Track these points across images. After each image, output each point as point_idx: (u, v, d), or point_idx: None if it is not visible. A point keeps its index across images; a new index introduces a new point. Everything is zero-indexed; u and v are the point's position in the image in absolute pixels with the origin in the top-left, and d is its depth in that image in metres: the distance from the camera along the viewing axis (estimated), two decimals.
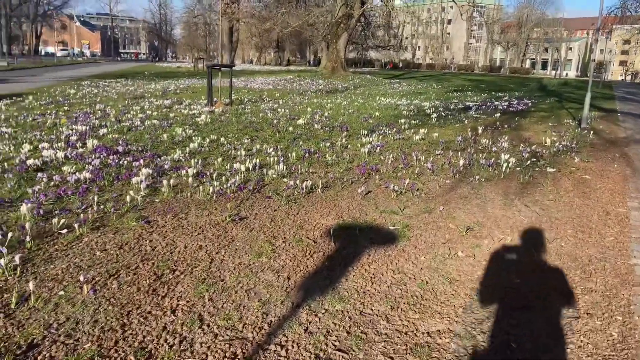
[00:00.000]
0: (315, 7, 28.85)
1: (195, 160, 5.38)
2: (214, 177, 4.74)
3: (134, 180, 4.47)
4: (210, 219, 3.68)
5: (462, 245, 3.43)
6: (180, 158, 5.62)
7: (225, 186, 4.45)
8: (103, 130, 7.17)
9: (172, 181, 4.51)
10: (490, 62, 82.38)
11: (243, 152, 6.00)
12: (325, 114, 10.12)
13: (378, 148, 6.64)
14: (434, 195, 4.57)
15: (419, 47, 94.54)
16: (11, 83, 18.04)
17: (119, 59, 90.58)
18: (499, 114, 10.61)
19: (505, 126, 9.02)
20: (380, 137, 7.63)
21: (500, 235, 3.69)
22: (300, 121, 8.74)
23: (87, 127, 7.37)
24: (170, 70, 34.85)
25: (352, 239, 3.42)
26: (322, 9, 26.53)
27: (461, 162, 5.59)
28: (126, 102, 11.38)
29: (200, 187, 4.39)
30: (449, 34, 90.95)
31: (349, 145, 6.85)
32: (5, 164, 5.07)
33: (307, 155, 6.06)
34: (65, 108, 9.99)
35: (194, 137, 6.88)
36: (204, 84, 18.37)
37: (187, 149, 6.07)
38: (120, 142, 6.36)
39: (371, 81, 24.16)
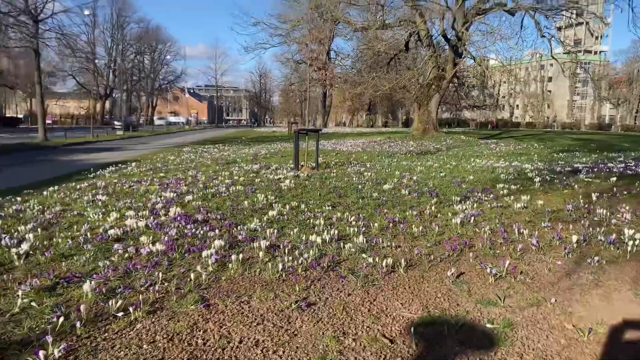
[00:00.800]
0: (406, 70, 28.96)
1: (271, 231, 5.08)
2: (287, 251, 4.36)
3: (204, 253, 4.23)
4: (274, 305, 3.26)
5: (583, 357, 2.64)
6: (257, 227, 5.37)
7: (297, 262, 4.04)
8: (189, 197, 7.23)
9: (242, 255, 4.21)
10: (599, 119, 76.85)
11: (322, 221, 5.61)
12: (414, 178, 9.55)
13: (472, 218, 5.92)
14: (543, 282, 3.78)
15: (517, 105, 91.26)
16: (122, 151, 19.76)
17: (224, 124, 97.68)
18: (614, 178, 9.31)
19: (625, 192, 7.80)
20: (475, 204, 6.88)
21: (636, 339, 2.84)
22: (387, 186, 8.26)
23: (175, 194, 7.50)
24: (266, 134, 36.50)
25: (438, 339, 2.79)
26: (413, 71, 26.50)
27: (574, 237, 4.70)
28: (217, 167, 11.72)
29: (269, 264, 4.01)
30: (549, 91, 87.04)
31: (439, 214, 6.20)
32: (89, 233, 5.12)
33: (391, 225, 5.53)
34: (161, 174, 10.46)
35: (274, 204, 6.67)
36: (288, 149, 18.77)
37: (265, 217, 5.83)
38: (201, 209, 6.30)
39: (465, 142, 23.20)
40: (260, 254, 4.24)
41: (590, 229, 5.37)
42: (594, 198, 7.37)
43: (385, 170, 10.95)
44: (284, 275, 3.80)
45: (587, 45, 76.71)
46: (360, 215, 6.11)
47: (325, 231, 5.08)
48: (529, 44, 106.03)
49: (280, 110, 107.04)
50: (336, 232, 5.06)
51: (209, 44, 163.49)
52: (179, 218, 5.74)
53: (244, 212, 6.25)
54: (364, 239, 4.74)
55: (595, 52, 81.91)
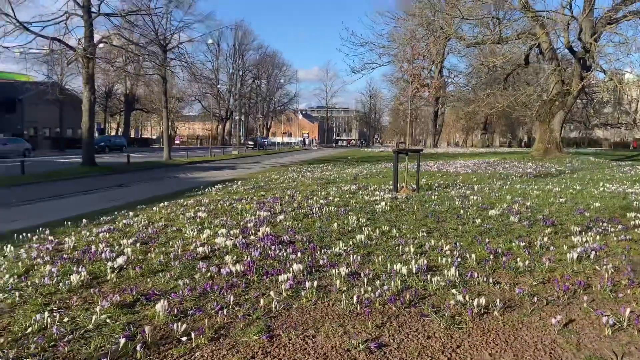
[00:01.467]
0: (526, 85, 26.96)
1: (355, 257, 4.77)
2: (367, 281, 4.02)
3: (281, 278, 4.05)
4: (341, 342, 2.94)
5: None
6: (342, 252, 5.09)
7: (375, 294, 3.67)
8: (281, 217, 7.20)
9: (319, 282, 3.96)
10: None
11: (413, 249, 5.17)
12: (528, 204, 8.60)
13: (593, 252, 5.05)
14: None
15: None
16: (234, 169, 20.82)
17: (333, 145, 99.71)
18: None
19: None
20: (598, 236, 5.92)
21: None
22: (493, 212, 7.51)
23: (269, 213, 7.54)
24: (373, 154, 36.28)
25: None
26: (534, 87, 24.52)
27: None
28: (316, 187, 11.71)
29: (345, 294, 3.70)
30: None
31: (552, 247, 5.40)
32: (180, 250, 5.25)
33: (492, 257, 4.91)
34: (262, 193, 10.70)
35: (364, 228, 6.35)
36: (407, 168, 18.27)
37: (352, 241, 5.55)
38: (289, 230, 6.20)
39: (594, 163, 20.79)
40: (337, 282, 3.94)
41: None
42: None
43: (495, 194, 10.06)
44: (358, 308, 3.46)
45: None
46: (458, 243, 5.55)
47: (414, 260, 4.65)
48: None
49: (389, 130, 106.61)
50: (426, 261, 4.61)
51: (322, 65, 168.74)
52: (265, 238, 5.68)
53: (331, 235, 6.03)
54: (457, 272, 4.22)
55: None
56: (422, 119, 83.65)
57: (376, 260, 4.73)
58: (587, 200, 9.00)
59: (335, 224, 6.58)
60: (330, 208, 8.01)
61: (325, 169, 19.07)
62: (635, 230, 6.35)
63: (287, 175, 15.97)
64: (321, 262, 4.68)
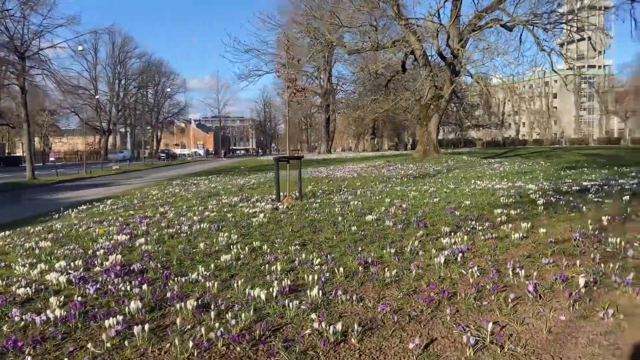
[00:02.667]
0: (405, 90, 28.27)
1: (212, 283, 4.17)
2: (216, 315, 3.45)
3: (108, 322, 3.32)
4: None
5: None
6: (200, 278, 4.46)
7: (219, 332, 3.11)
8: (141, 240, 6.37)
9: (160, 322, 3.31)
10: (607, 134, 75.60)
11: (280, 267, 4.70)
12: (404, 205, 8.63)
13: (460, 254, 4.98)
14: (539, 351, 2.82)
15: (524, 123, 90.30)
16: (111, 186, 19.05)
17: (229, 155, 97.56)
18: (628, 196, 8.32)
19: None
20: (467, 236, 5.94)
21: None
22: (370, 217, 7.34)
23: (128, 237, 6.65)
24: (267, 163, 35.73)
25: None
26: (410, 92, 25.78)
27: (581, 280, 3.74)
28: (195, 201, 10.89)
29: (178, 339, 3.09)
30: (555, 107, 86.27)
31: (422, 251, 5.26)
32: None
33: (361, 269, 4.60)
34: (131, 212, 9.66)
35: (233, 246, 5.78)
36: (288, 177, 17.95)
37: (214, 264, 4.95)
38: (145, 256, 5.42)
39: (467, 162, 22.23)
40: (178, 320, 3.32)
41: (602, 264, 4.39)
42: (605, 222, 6.39)
43: (375, 198, 10.04)
44: (195, 354, 2.87)
45: (591, 60, 76.13)
46: (330, 255, 5.20)
47: (278, 281, 4.18)
48: (529, 58, 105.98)
49: (285, 138, 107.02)
50: (290, 281, 4.17)
51: (214, 74, 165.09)
52: (111, 269, 4.86)
53: (194, 257, 5.37)
54: (320, 292, 3.81)
55: (600, 67, 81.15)
56: (316, 126, 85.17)
57: (236, 284, 4.17)
58: (458, 199, 9.28)
59: (202, 244, 5.93)
60: (203, 225, 7.31)
61: (213, 181, 18.17)
62: (501, 227, 6.51)
63: (169, 190, 14.86)
64: (169, 294, 4.01)
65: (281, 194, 10.39)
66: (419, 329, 3.12)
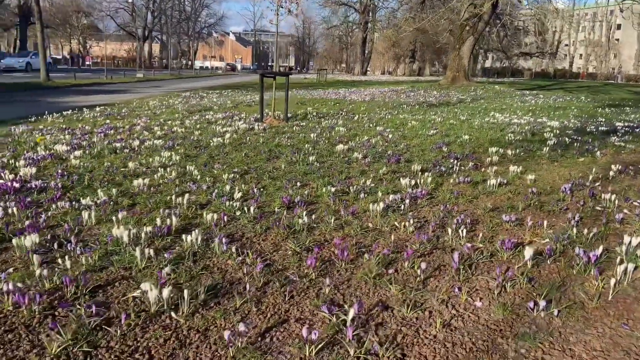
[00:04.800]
0: (443, 6, 25.71)
1: (88, 214, 3.50)
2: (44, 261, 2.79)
3: None
4: None
5: None
6: (90, 204, 3.80)
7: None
8: (78, 153, 5.75)
9: None
10: None
11: (188, 199, 3.99)
12: (391, 136, 7.65)
13: (410, 201, 4.12)
14: None
15: (580, 54, 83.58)
16: (123, 94, 18.53)
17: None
18: None
19: None
20: (437, 178, 5.03)
21: None
22: (341, 147, 6.45)
23: (68, 148, 6.05)
24: (295, 81, 34.41)
25: None
26: (445, 9, 23.33)
27: (528, 251, 2.83)
28: (178, 115, 10.19)
29: None
30: (617, 40, 78.93)
31: (369, 193, 4.42)
32: None
33: (277, 210, 3.83)
34: (107, 121, 9.07)
35: (167, 168, 5.09)
36: (297, 95, 16.93)
37: (122, 188, 4.29)
38: (60, 172, 4.80)
39: (498, 93, 20.42)
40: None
41: (575, 229, 3.45)
42: (612, 173, 5.31)
43: (367, 125, 9.05)
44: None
45: None
46: (261, 190, 4.44)
47: (168, 218, 3.48)
48: None
49: (322, 56, 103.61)
50: (177, 221, 3.46)
51: None
52: (13, 180, 4.27)
53: (114, 178, 4.72)
54: (199, 239, 3.08)
55: None
56: (355, 46, 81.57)
57: (117, 217, 3.48)
58: (458, 133, 8.19)
59: (133, 163, 5.26)
60: (157, 142, 6.62)
61: (221, 95, 17.36)
62: (486, 169, 5.54)
63: (169, 102, 14.17)
64: (27, 223, 3.38)
65: (269, 113, 9.53)
66: (278, 306, 2.36)
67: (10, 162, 5.27)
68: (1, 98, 14.77)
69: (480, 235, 3.32)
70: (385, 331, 2.14)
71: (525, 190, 4.68)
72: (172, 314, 2.16)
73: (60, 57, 64.13)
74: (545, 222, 3.56)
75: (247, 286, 2.47)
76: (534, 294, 2.55)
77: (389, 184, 4.80)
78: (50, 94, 17.93)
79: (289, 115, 9.93)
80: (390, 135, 7.64)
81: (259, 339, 2.05)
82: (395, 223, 3.56)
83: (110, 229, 3.11)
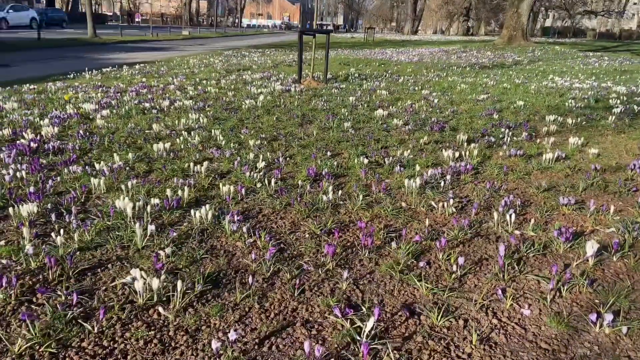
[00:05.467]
0: None
1: (97, 181, 3.27)
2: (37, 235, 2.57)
3: None
4: None
5: None
6: (102, 169, 3.57)
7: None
8: (105, 113, 5.57)
9: None
10: None
11: (205, 168, 3.70)
12: (436, 101, 7.05)
13: (452, 177, 3.66)
14: None
15: None
16: (166, 51, 18.44)
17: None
18: None
19: None
20: (484, 150, 4.50)
21: None
22: (380, 112, 5.96)
23: (95, 107, 5.88)
24: (341, 40, 33.39)
25: None
26: None
27: (590, 247, 2.35)
28: (215, 74, 9.90)
29: None
30: None
31: (404, 167, 3.97)
32: None
33: (300, 183, 3.47)
34: (143, 79, 8.89)
35: (192, 132, 4.82)
36: (341, 55, 16.26)
37: (142, 152, 4.05)
38: (82, 133, 4.61)
39: (558, 54, 18.89)
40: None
41: None
42: None
43: (412, 88, 8.44)
44: None
45: None
46: (288, 159, 4.09)
47: (180, 190, 3.19)
48: None
49: (372, 15, 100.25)
50: (190, 193, 3.17)
51: None
52: (31, 141, 4.11)
53: (137, 140, 4.49)
54: (209, 214, 2.77)
55: None
56: (405, 3, 78.22)
57: (126, 185, 3.22)
58: (511, 98, 7.47)
59: (158, 125, 5.00)
60: (187, 102, 6.34)
61: (263, 55, 16.93)
62: (542, 140, 4.93)
63: (209, 60, 13.90)
64: (30, 189, 3.18)
65: (308, 74, 9.06)
66: (285, 304, 2.03)
67: (36, 120, 5.13)
68: (46, 54, 14.96)
69: (532, 221, 2.84)
70: (408, 344, 1.76)
71: (587, 166, 4.10)
72: (160, 309, 1.87)
73: (110, 13, 64.91)
74: (611, 207, 3.02)
75: (253, 276, 2.15)
76: (597, 301, 2.09)
77: (430, 155, 4.32)
78: (94, 50, 18.04)
79: (329, 76, 9.43)
80: (436, 100, 7.04)
81: (256, 346, 1.73)
82: (433, 203, 3.12)
83: (118, 198, 2.85)
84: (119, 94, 7.04)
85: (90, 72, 9.74)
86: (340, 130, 5.08)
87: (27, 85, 7.73)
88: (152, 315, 1.87)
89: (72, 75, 9.37)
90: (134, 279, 1.98)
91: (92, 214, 2.80)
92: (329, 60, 8.81)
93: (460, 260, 2.22)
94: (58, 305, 1.86)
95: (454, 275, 2.22)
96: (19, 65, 12.07)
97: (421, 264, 2.33)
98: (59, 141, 4.31)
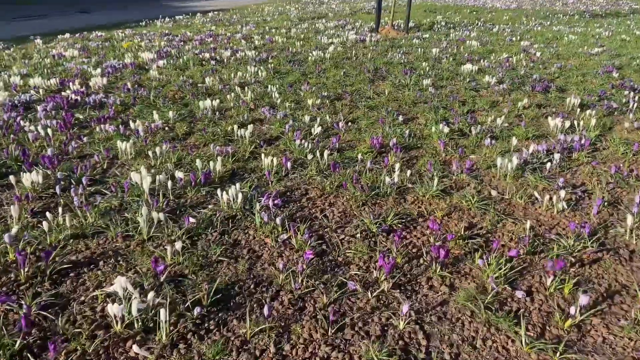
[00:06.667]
0: None
1: (149, 136, 2.82)
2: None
3: None
4: None
5: None
6: (137, 129, 3.12)
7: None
8: (161, 63, 5.16)
9: None
10: None
11: (250, 132, 3.14)
12: (539, 54, 5.91)
13: (563, 155, 2.81)
14: None
15: None
16: None
17: None
18: None
19: None
20: (594, 120, 3.53)
21: None
22: (469, 67, 5.01)
23: (154, 56, 5.49)
24: None
25: None
26: None
27: None
28: (287, 23, 9.22)
29: None
30: None
31: (496, 140, 3.15)
32: None
33: (360, 157, 2.81)
34: (212, 27, 8.45)
35: (246, 87, 4.26)
36: (427, 1, 14.83)
37: (173, 113, 3.56)
38: (128, 85, 4.22)
39: None
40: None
41: None
42: None
43: (510, 39, 7.23)
44: None
45: None
46: (345, 123, 3.42)
47: (212, 161, 2.66)
48: None
49: None
50: (221, 166, 2.63)
51: None
52: (74, 93, 3.78)
53: (184, 95, 4.02)
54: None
55: None
56: None
57: (159, 149, 2.74)
58: (633, 53, 6.11)
59: (211, 79, 4.49)
60: (249, 53, 5.77)
61: (343, 1, 15.85)
62: None
63: (285, 7, 13.19)
64: (72, 145, 2.78)
65: (387, 22, 8.11)
66: (309, 350, 1.43)
67: (89, 70, 4.81)
68: (126, 1, 15.00)
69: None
70: None
71: None
72: (135, 348, 1.33)
73: None
74: None
75: (276, 297, 1.57)
76: None
77: (531, 124, 3.43)
78: None
79: (411, 24, 8.41)
80: (538, 54, 5.89)
81: None
82: (536, 193, 2.33)
83: (139, 169, 2.36)
84: (182, 43, 6.63)
85: (162, 20, 9.45)
86: (417, 89, 4.27)
87: (96, 32, 7.54)
88: (128, 352, 1.35)
89: (144, 23, 9.13)
90: (116, 292, 1.46)
91: (106, 187, 2.34)
92: (411, 6, 7.77)
93: (583, 299, 1.47)
94: (11, 325, 1.40)
95: (570, 321, 1.49)
96: (98, 11, 12.13)
97: (518, 293, 1.61)
98: (103, 94, 3.93)
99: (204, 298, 1.54)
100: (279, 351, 1.36)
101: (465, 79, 4.66)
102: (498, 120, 3.32)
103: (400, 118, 3.45)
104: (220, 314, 1.51)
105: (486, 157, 2.81)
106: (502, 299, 1.61)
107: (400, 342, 1.41)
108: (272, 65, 5.16)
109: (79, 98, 3.78)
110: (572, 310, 1.48)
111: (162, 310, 1.37)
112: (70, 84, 4.17)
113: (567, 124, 3.27)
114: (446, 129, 3.14)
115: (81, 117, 3.41)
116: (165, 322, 1.38)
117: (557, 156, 2.72)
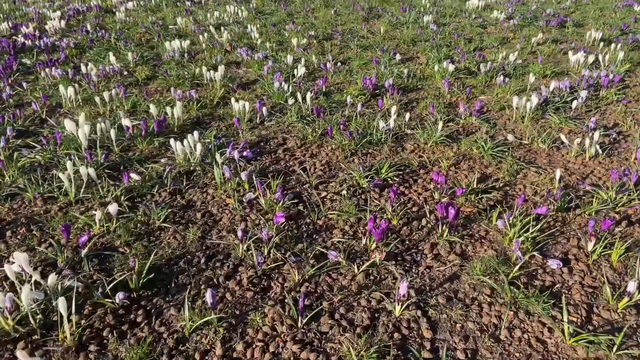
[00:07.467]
0: None
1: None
2: None
3: None
4: None
5: None
6: (92, 73, 2.66)
7: None
8: (131, 4, 4.62)
9: None
10: None
11: (218, 75, 2.67)
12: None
13: (585, 92, 2.38)
14: None
15: None
16: None
17: None
18: None
19: None
20: (629, 51, 3.06)
21: None
22: (475, 1, 4.47)
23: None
24: None
25: None
26: None
27: None
28: None
29: None
30: None
31: (517, 77, 2.70)
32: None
33: (359, 96, 2.37)
34: None
35: (225, 27, 3.75)
36: None
37: (161, 48, 3.09)
38: (86, 27, 3.71)
39: None
40: None
41: None
42: None
43: None
44: None
45: None
46: (334, 64, 2.96)
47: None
48: None
49: None
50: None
51: None
52: (13, 41, 3.28)
53: (149, 39, 3.52)
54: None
55: None
56: None
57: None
58: None
59: (181, 20, 3.96)
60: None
61: None
62: None
63: None
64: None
65: None
66: None
67: (49, 13, 4.28)
68: None
69: None
70: None
71: None
72: (22, 355, 0.94)
73: None
74: None
75: (229, 279, 1.17)
76: None
77: (548, 61, 2.97)
78: None
79: None
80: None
81: None
82: (562, 136, 1.90)
83: (87, 114, 1.93)
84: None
85: None
86: (418, 26, 3.77)
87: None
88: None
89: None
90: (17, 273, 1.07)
91: (37, 140, 1.91)
92: None
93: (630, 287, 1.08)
94: None
95: (626, 300, 1.10)
96: None
97: (552, 263, 1.22)
98: (58, 38, 3.43)
99: (133, 279, 1.15)
100: (226, 353, 0.98)
101: (471, 15, 4.15)
102: (510, 57, 2.86)
103: (398, 57, 2.97)
104: (153, 301, 1.12)
105: (498, 98, 2.37)
106: (531, 271, 1.22)
107: (395, 334, 1.03)
108: (255, 4, 4.62)
109: (28, 42, 3.29)
110: (629, 285, 1.09)
111: (61, 300, 0.97)
112: (24, 27, 3.66)
113: (591, 59, 2.81)
114: (451, 67, 2.68)
115: (28, 62, 2.94)
116: (70, 315, 0.99)
117: (583, 93, 2.28)
